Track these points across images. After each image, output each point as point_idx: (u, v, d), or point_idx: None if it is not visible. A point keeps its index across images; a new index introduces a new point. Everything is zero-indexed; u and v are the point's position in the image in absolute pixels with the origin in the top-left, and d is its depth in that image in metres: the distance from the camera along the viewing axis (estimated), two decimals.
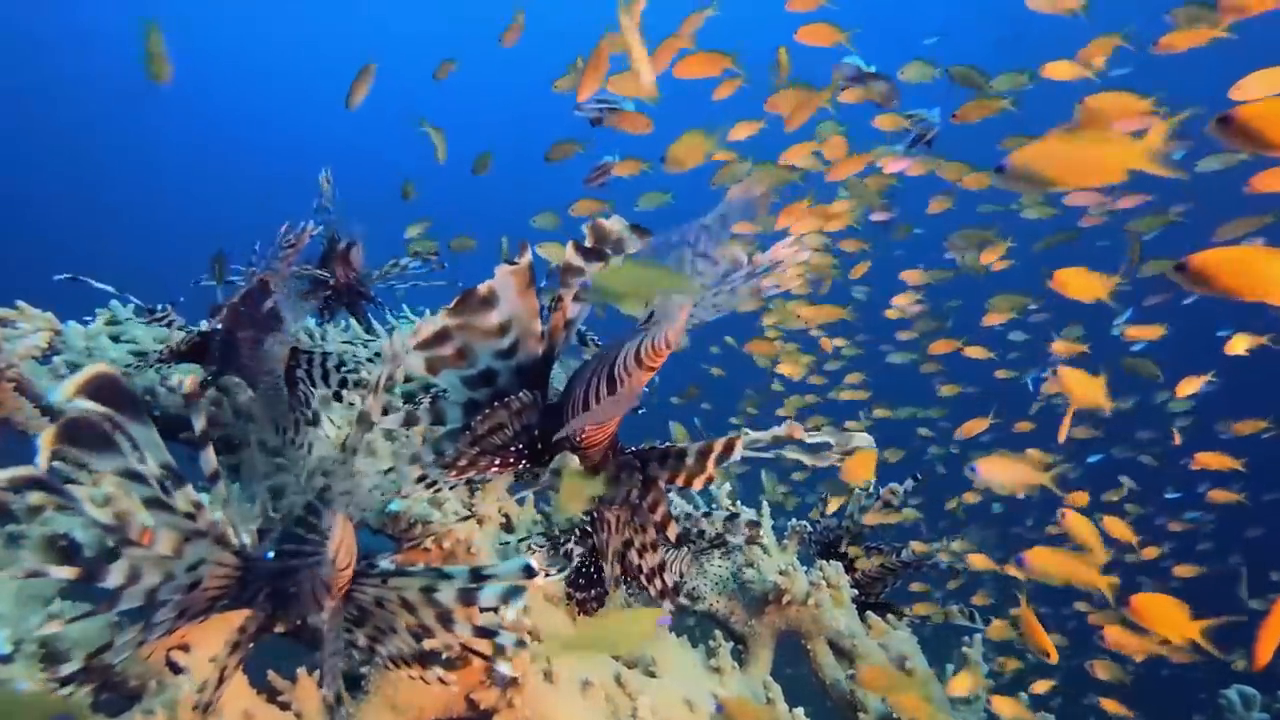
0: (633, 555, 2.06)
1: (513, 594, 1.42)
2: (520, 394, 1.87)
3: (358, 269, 3.35)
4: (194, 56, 28.22)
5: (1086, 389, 2.89)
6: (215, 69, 30.07)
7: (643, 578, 2.07)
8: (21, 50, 28.72)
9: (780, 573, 2.87)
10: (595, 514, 2.05)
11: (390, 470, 2.40)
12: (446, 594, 1.45)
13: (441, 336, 1.78)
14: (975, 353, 6.08)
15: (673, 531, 1.97)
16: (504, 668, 1.65)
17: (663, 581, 2.08)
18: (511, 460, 1.94)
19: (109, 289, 2.44)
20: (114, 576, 1.30)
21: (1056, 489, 2.76)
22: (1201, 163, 4.35)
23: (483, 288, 1.76)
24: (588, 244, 1.88)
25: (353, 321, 3.30)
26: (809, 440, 1.95)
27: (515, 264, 1.75)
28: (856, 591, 3.27)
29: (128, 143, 32.09)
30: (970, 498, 5.32)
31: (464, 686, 2.02)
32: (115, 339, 2.47)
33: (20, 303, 2.44)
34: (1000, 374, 7.00)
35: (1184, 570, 5.83)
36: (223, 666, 1.47)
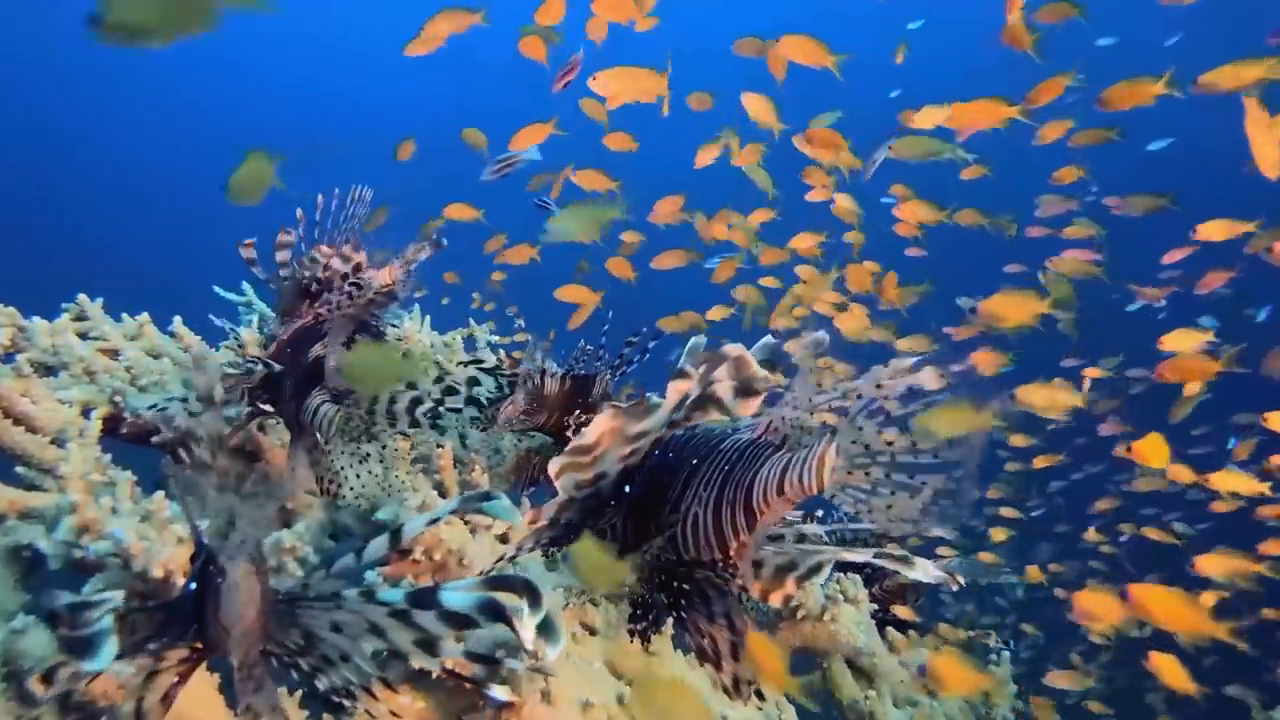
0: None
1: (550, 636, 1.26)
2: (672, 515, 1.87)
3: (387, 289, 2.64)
4: (197, 49, 28.24)
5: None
6: (219, 62, 30.04)
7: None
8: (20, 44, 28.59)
9: None
10: (691, 619, 1.99)
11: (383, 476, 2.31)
12: (427, 619, 1.32)
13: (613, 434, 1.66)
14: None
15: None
16: (498, 693, 1.52)
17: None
18: None
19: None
20: None
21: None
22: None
23: (655, 396, 1.65)
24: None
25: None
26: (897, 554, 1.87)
27: (688, 378, 1.60)
28: (875, 607, 3.14)
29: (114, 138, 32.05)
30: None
31: (455, 710, 1.91)
32: (83, 336, 2.37)
33: None
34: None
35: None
36: (139, 697, 1.31)
